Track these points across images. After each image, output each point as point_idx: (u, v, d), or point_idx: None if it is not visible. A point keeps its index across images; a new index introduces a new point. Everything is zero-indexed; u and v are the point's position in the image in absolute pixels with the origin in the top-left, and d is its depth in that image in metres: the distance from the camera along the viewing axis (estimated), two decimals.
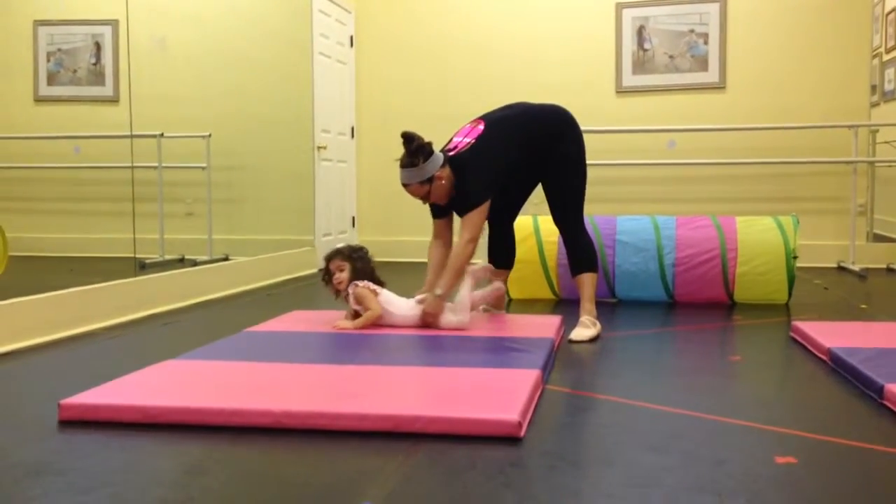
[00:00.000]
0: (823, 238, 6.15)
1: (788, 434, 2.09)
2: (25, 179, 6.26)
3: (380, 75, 6.94)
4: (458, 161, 3.34)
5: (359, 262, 3.40)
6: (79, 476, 1.79)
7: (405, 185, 3.33)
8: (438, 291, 3.26)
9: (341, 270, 3.38)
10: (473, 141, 3.38)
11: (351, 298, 3.35)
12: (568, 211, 3.52)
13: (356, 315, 3.35)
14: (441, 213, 3.51)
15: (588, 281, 3.49)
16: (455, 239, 3.43)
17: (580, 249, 3.52)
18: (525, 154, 3.43)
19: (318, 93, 6.22)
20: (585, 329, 3.35)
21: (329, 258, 3.43)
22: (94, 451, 1.96)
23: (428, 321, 3.26)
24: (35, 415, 2.24)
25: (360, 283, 3.34)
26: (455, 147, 3.41)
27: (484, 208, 3.28)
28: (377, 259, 3.52)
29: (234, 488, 1.74)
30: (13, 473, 1.82)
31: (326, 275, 3.43)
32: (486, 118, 3.49)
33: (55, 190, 6.34)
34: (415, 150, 3.27)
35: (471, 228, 3.27)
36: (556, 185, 3.52)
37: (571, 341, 3.27)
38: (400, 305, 3.33)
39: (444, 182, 3.31)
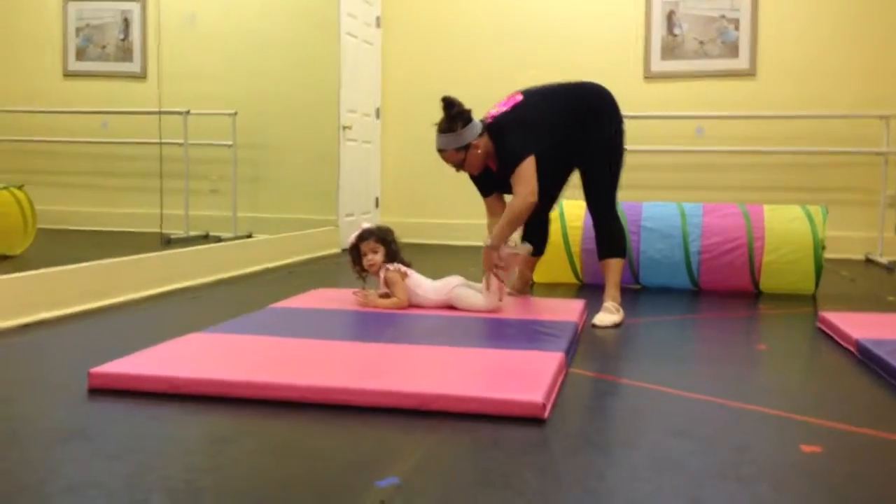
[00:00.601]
0: (851, 229, 6.08)
1: (814, 423, 2.07)
2: (54, 153, 6.32)
3: (406, 56, 6.92)
4: (495, 125, 3.30)
5: (393, 245, 3.37)
6: (107, 443, 1.82)
7: (440, 151, 3.30)
8: (489, 242, 3.24)
9: (375, 252, 3.34)
10: (510, 109, 3.35)
11: (381, 281, 3.34)
12: (601, 193, 3.46)
13: (385, 296, 3.35)
14: (488, 189, 3.48)
15: (615, 266, 3.47)
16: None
17: (610, 233, 3.48)
18: (565, 128, 3.36)
19: (345, 73, 6.21)
20: (609, 314, 3.34)
21: (361, 238, 3.38)
22: (123, 419, 1.99)
23: (492, 268, 3.22)
24: (65, 383, 2.27)
25: (392, 267, 3.32)
26: (492, 116, 3.37)
27: (531, 161, 3.19)
28: (401, 240, 3.50)
29: (261, 459, 1.76)
30: (44, 439, 1.85)
31: (356, 255, 3.39)
32: (524, 91, 3.45)
33: (82, 164, 6.40)
34: (454, 115, 3.24)
35: (524, 182, 3.19)
36: (592, 166, 3.46)
37: (595, 326, 3.26)
38: (427, 288, 3.32)
39: (479, 151, 3.27)
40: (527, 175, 3.20)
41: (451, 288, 3.29)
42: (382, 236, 3.38)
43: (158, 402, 2.10)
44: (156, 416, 2.01)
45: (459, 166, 3.33)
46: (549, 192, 3.55)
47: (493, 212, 3.48)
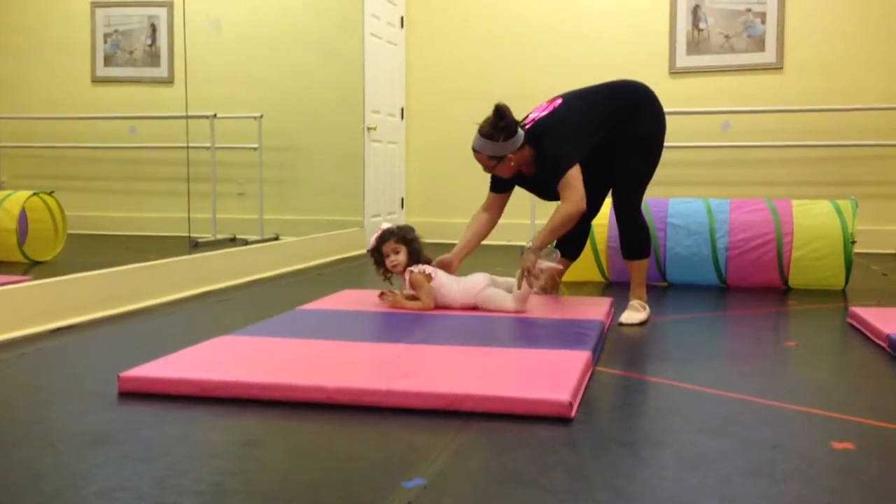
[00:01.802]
0: (883, 223, 6.00)
1: (846, 420, 2.05)
2: (83, 159, 6.40)
3: (430, 56, 6.93)
4: (536, 129, 3.26)
5: (415, 244, 3.33)
6: (138, 446, 1.84)
7: (475, 151, 3.26)
8: (531, 244, 3.21)
9: (397, 253, 3.30)
10: (550, 112, 3.31)
11: (406, 283, 3.31)
12: (629, 188, 3.40)
13: (412, 297, 3.31)
14: (501, 188, 3.44)
15: (640, 266, 3.45)
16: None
17: (635, 233, 3.43)
18: (605, 127, 3.31)
19: (369, 74, 6.23)
20: (635, 312, 3.32)
21: (382, 239, 3.33)
22: (153, 423, 2.01)
23: (528, 270, 3.17)
24: (96, 386, 2.30)
25: (416, 269, 3.27)
26: (531, 122, 3.32)
27: (577, 171, 3.17)
28: (426, 241, 3.48)
29: (290, 461, 1.77)
30: (76, 442, 1.87)
31: (378, 256, 3.36)
32: (563, 95, 3.41)
33: (111, 169, 6.47)
34: (501, 127, 3.19)
35: (573, 188, 3.17)
36: (624, 159, 3.36)
37: (621, 324, 3.25)
38: (452, 288, 3.29)
39: (513, 164, 3.25)
40: (576, 184, 3.18)
41: (477, 291, 3.26)
42: (403, 235, 3.33)
43: (188, 405, 2.12)
44: (185, 420, 2.03)
45: (490, 170, 3.32)
46: (591, 199, 3.42)
47: (488, 208, 3.46)
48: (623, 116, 3.33)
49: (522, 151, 3.25)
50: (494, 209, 3.48)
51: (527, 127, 3.29)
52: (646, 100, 3.40)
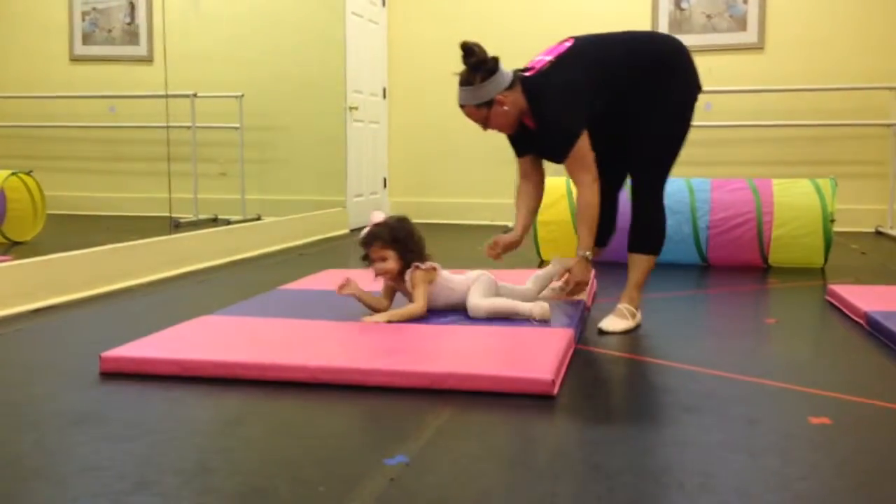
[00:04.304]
0: (862, 202, 6.04)
1: (823, 395, 2.07)
2: (62, 139, 6.34)
3: (412, 35, 6.89)
4: (533, 83, 2.72)
5: (409, 243, 2.73)
6: (120, 425, 1.83)
7: (462, 108, 2.76)
8: (585, 253, 2.78)
9: (384, 260, 2.71)
10: (554, 59, 2.75)
11: (408, 283, 2.74)
12: (646, 166, 2.84)
13: (390, 291, 2.83)
14: (524, 149, 2.92)
15: (641, 264, 2.85)
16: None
17: (647, 220, 2.85)
18: (621, 84, 2.74)
19: (351, 53, 6.19)
20: (620, 319, 2.80)
21: (366, 244, 2.74)
22: (134, 402, 2.00)
23: (579, 288, 2.88)
24: (77, 366, 2.29)
25: (423, 266, 2.73)
26: (532, 68, 2.78)
27: (584, 141, 2.67)
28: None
29: (271, 440, 1.78)
30: (57, 422, 1.87)
31: (368, 260, 2.78)
32: (577, 36, 2.84)
33: (90, 149, 6.42)
34: (473, 65, 2.70)
35: (583, 167, 2.68)
36: (647, 130, 2.78)
37: (601, 331, 2.76)
38: (458, 282, 2.82)
39: (506, 108, 2.70)
40: (587, 160, 2.69)
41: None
42: (394, 236, 2.72)
43: (169, 384, 2.12)
44: (167, 399, 2.03)
45: (484, 124, 2.77)
46: (612, 176, 2.89)
47: (526, 174, 2.94)
48: (647, 73, 2.75)
49: (514, 94, 2.71)
50: (532, 174, 2.95)
51: (524, 76, 2.77)
52: (677, 60, 2.80)
